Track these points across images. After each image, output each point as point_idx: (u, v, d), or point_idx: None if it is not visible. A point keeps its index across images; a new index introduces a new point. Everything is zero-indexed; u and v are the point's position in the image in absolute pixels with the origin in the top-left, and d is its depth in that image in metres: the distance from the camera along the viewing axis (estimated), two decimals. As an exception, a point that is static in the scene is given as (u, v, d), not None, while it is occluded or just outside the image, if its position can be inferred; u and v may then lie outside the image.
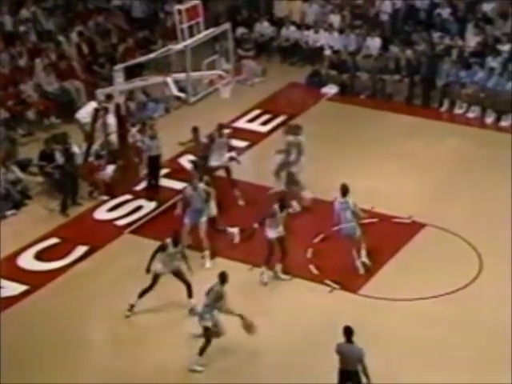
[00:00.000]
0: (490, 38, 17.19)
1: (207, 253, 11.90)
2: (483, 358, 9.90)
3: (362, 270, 11.37)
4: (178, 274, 10.85)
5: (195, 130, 13.62)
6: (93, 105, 14.68)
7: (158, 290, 11.00)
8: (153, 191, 13.78)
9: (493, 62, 16.36)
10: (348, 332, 8.85)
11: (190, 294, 10.85)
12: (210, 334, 9.76)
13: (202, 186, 12.00)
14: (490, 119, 15.86)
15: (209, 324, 9.74)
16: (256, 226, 11.51)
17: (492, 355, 9.92)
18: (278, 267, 11.49)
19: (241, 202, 13.21)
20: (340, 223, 11.43)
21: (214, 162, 13.25)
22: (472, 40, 17.32)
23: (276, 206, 11.34)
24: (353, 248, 11.42)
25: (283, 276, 11.49)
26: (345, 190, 11.40)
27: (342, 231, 11.42)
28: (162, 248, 10.78)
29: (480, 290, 11.07)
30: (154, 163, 13.66)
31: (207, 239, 11.92)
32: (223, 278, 9.77)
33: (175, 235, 10.85)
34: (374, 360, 9.61)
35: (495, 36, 17.19)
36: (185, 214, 12.01)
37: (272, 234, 11.34)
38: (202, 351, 9.76)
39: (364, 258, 11.44)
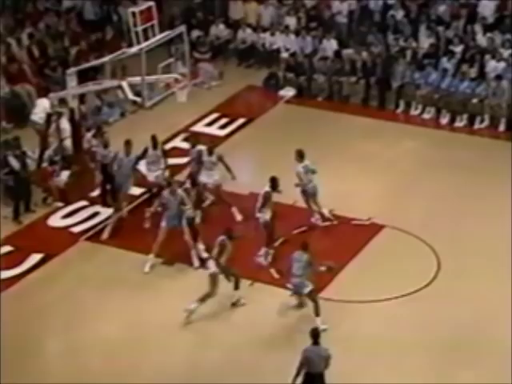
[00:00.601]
0: (443, 39, 17.41)
1: (193, 252, 11.78)
2: (446, 357, 9.96)
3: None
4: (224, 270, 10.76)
5: (128, 143, 12.96)
6: (44, 102, 14.36)
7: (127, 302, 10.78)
8: (110, 197, 13.52)
9: (446, 64, 16.58)
10: (315, 334, 8.93)
11: (236, 286, 10.87)
12: (314, 294, 10.49)
13: (179, 191, 11.84)
14: (444, 120, 16.05)
15: (311, 287, 10.42)
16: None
17: (454, 355, 9.99)
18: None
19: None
20: None
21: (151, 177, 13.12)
22: (425, 42, 17.50)
23: (269, 189, 11.72)
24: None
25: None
26: None
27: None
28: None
29: (439, 290, 11.15)
30: (107, 173, 13.38)
31: (191, 241, 11.79)
32: (305, 246, 10.51)
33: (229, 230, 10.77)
34: (336, 362, 9.61)
35: (448, 37, 17.42)
36: (162, 217, 11.88)
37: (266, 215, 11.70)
38: (317, 311, 10.43)
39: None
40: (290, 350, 9.44)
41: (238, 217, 12.80)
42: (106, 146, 13.32)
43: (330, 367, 8.99)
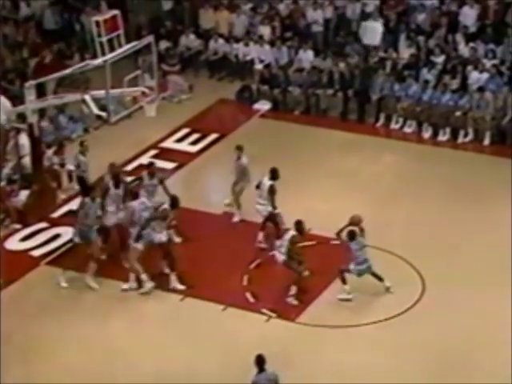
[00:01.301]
0: (423, 49, 17.55)
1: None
2: (433, 380, 9.89)
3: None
4: None
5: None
6: (3, 101, 14.08)
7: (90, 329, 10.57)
8: None
9: (427, 75, 16.67)
10: (259, 361, 8.90)
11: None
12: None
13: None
14: (427, 134, 16.12)
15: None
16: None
17: (441, 380, 9.93)
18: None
19: None
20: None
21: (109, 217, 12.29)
22: (405, 52, 17.61)
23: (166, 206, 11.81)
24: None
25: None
26: None
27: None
28: None
29: (424, 313, 11.12)
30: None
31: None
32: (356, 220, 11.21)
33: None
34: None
35: (428, 47, 17.56)
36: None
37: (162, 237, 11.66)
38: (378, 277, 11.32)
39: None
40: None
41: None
42: (83, 152, 13.51)
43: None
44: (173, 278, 11.68)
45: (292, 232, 11.39)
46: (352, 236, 11.34)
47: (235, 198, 13.22)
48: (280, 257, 11.42)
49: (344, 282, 11.39)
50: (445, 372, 10.06)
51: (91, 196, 11.87)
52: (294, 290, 11.36)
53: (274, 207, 12.28)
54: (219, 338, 10.69)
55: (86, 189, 13.19)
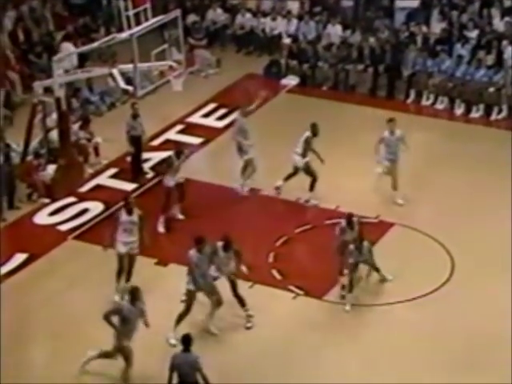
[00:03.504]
0: (456, 24, 17.35)
1: None
2: (458, 364, 9.92)
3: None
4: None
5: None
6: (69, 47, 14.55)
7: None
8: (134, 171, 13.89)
9: (461, 50, 16.51)
10: (186, 340, 8.77)
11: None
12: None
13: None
14: (459, 111, 16.00)
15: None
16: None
17: (467, 361, 9.96)
18: (176, 209, 12.69)
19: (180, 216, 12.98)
20: None
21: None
22: (437, 26, 17.43)
23: (173, 155, 12.48)
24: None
25: (181, 216, 12.73)
26: None
27: None
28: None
29: (453, 293, 11.11)
30: (137, 144, 13.70)
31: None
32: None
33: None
34: (341, 367, 9.62)
35: (461, 22, 17.36)
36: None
37: (171, 182, 12.46)
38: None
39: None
40: (288, 353, 9.39)
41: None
42: (135, 116, 13.57)
43: (339, 372, 8.94)
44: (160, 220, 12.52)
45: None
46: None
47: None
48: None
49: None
50: (472, 354, 10.06)
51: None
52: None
53: (304, 156, 12.85)
54: (243, 314, 10.78)
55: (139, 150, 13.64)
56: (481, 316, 10.65)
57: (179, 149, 12.90)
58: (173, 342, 10.18)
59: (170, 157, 12.87)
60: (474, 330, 10.40)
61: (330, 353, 10.16)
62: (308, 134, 12.97)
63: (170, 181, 12.65)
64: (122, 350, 9.67)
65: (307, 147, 12.93)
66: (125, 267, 11.08)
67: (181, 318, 10.36)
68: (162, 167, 13.13)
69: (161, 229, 12.60)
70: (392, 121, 13.05)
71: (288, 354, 9.93)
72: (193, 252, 10.28)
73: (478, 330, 10.41)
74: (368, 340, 10.39)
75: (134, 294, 9.62)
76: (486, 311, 10.71)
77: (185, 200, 12.86)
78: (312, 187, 13.02)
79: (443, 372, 9.83)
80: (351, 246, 10.88)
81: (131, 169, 14.04)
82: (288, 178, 13.09)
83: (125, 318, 9.55)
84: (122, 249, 10.96)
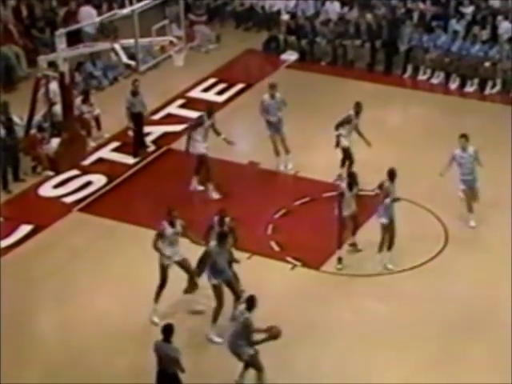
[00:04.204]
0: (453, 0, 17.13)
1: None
2: (451, 332, 9.90)
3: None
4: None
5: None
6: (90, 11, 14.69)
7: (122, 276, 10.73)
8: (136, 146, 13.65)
9: (456, 26, 16.32)
10: (166, 330, 8.39)
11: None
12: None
13: None
14: (454, 85, 15.84)
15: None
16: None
17: (464, 330, 9.92)
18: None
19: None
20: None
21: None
22: (433, 2, 17.18)
23: (204, 115, 12.04)
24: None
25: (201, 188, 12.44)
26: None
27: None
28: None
29: (448, 263, 11.06)
30: (137, 120, 13.46)
31: None
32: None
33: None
34: (339, 337, 9.56)
35: (457, -2, 17.17)
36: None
37: (202, 149, 12.12)
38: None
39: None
40: (285, 322, 9.32)
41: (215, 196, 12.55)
42: (134, 94, 13.30)
43: (337, 343, 8.88)
44: (210, 187, 12.24)
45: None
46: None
47: (283, 144, 13.09)
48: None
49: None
50: (467, 321, 10.04)
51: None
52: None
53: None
54: (244, 285, 10.71)
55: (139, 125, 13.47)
56: (475, 284, 10.61)
57: (210, 108, 12.37)
58: (217, 339, 9.78)
59: (200, 115, 12.42)
60: (469, 298, 10.38)
61: (327, 322, 10.11)
62: (351, 112, 12.36)
63: (201, 148, 12.23)
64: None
65: (351, 127, 12.32)
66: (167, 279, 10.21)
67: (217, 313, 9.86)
68: (192, 126, 12.37)
69: (215, 195, 12.35)
70: (464, 137, 11.54)
71: (285, 323, 9.83)
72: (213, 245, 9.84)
73: (472, 297, 10.38)
74: (366, 309, 10.34)
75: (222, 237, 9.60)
76: (480, 280, 10.67)
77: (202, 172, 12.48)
78: (343, 164, 12.42)
79: (441, 338, 9.80)
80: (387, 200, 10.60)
81: (133, 144, 13.86)
82: (343, 163, 12.49)
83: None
84: (167, 261, 10.13)
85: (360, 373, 9.34)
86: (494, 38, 16.01)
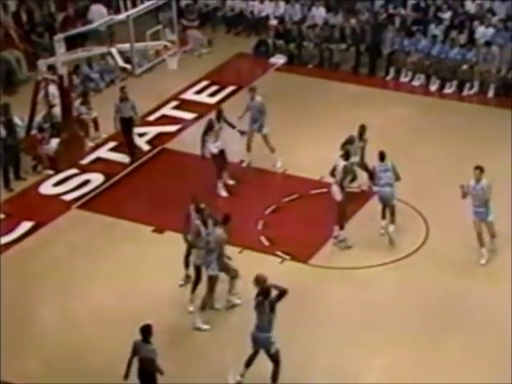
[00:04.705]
0: (432, 6, 17.03)
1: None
2: (435, 322, 9.83)
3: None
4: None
5: None
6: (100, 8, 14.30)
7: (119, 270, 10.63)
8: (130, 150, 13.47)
9: (436, 30, 16.27)
10: (144, 331, 8.19)
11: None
12: None
13: None
14: (434, 87, 15.77)
15: None
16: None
17: (443, 319, 9.87)
18: (225, 174, 12.30)
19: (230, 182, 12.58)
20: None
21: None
22: (413, 8, 17.06)
23: (213, 118, 11.93)
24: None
25: (231, 182, 12.40)
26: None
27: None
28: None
29: (428, 255, 10.99)
30: (126, 125, 13.28)
31: None
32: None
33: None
34: (327, 327, 9.49)
35: (436, 4, 17.04)
36: None
37: (213, 149, 12.01)
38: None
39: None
40: (278, 316, 9.23)
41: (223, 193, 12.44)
42: (122, 100, 13.14)
43: (325, 332, 8.77)
44: (219, 185, 12.24)
45: (342, 162, 11.03)
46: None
47: (266, 143, 12.95)
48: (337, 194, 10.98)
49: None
50: (446, 311, 9.98)
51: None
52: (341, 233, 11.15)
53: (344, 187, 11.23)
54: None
55: (126, 131, 13.24)
56: (455, 276, 10.53)
57: (219, 111, 12.30)
58: (201, 326, 9.78)
59: (210, 119, 12.35)
60: (448, 289, 10.31)
61: (315, 313, 10.03)
62: (354, 134, 11.87)
63: (213, 148, 12.14)
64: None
65: (354, 148, 11.69)
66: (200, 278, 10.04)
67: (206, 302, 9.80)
68: (205, 132, 12.20)
69: (223, 193, 12.25)
70: (478, 168, 10.53)
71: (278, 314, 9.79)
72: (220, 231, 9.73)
73: (452, 288, 10.31)
74: (352, 300, 10.26)
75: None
76: (460, 271, 10.59)
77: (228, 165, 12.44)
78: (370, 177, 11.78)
79: (423, 326, 9.74)
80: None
81: (128, 150, 13.55)
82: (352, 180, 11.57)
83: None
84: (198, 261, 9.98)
85: (346, 358, 9.28)
86: (471, 41, 15.97)
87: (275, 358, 8.74)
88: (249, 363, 8.89)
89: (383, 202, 11.27)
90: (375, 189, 11.28)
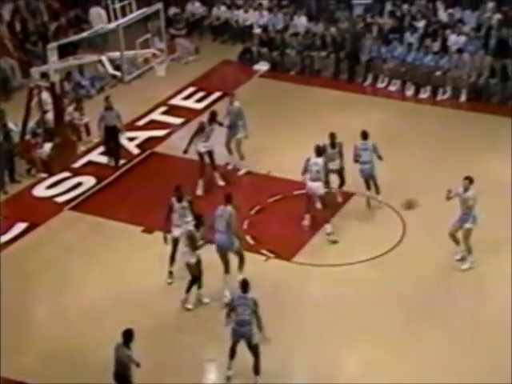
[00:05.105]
0: (407, 15, 17.12)
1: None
2: (414, 315, 9.85)
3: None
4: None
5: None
6: (99, 10, 14.33)
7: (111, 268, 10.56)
8: (114, 155, 13.38)
9: (410, 38, 16.34)
10: (126, 335, 8.06)
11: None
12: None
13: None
14: (409, 92, 15.84)
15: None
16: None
17: (422, 313, 9.89)
18: (217, 174, 12.36)
19: (220, 183, 12.55)
20: None
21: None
22: (390, 17, 17.16)
23: (205, 121, 11.98)
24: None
25: (222, 183, 12.39)
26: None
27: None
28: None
29: (405, 252, 11.01)
30: (110, 133, 13.19)
31: None
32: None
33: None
34: (311, 324, 9.50)
35: (411, 13, 17.12)
36: None
37: (202, 148, 12.06)
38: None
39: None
40: (263, 311, 9.20)
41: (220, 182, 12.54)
42: (107, 108, 13.06)
43: (308, 326, 8.74)
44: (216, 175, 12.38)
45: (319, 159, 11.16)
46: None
47: (237, 149, 12.89)
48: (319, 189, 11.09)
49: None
50: (425, 305, 10.00)
51: None
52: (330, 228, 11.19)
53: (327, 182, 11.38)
54: (220, 276, 10.51)
55: (109, 139, 13.18)
56: (431, 272, 10.56)
57: (212, 115, 12.35)
58: (206, 300, 10.04)
59: (201, 122, 12.39)
60: (426, 284, 10.32)
61: (298, 308, 10.02)
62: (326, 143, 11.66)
63: (201, 147, 12.20)
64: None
65: (330, 155, 11.60)
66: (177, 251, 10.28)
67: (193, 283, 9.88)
68: (195, 132, 12.33)
69: (199, 192, 12.20)
70: (468, 179, 10.43)
71: (260, 309, 9.75)
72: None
73: (430, 283, 10.34)
74: (333, 295, 10.26)
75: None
76: (435, 268, 10.62)
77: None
78: (341, 184, 11.89)
79: (402, 320, 9.76)
80: None
81: (113, 154, 13.43)
82: (341, 184, 11.92)
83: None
84: (177, 232, 10.24)
85: (329, 352, 9.26)
86: (444, 49, 16.04)
87: (256, 350, 8.71)
88: (232, 355, 8.85)
89: (364, 176, 11.73)
90: (358, 166, 11.65)
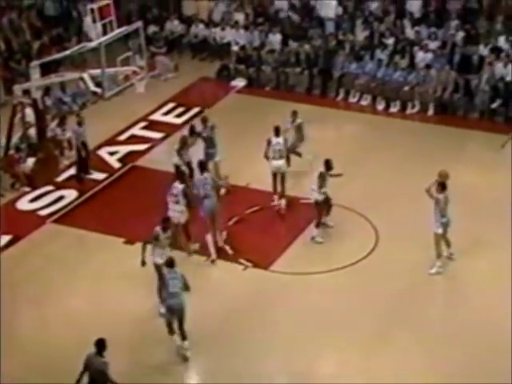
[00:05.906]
0: (376, 32, 17.29)
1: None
2: (386, 321, 9.87)
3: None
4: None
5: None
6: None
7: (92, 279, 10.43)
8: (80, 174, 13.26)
9: (381, 55, 16.48)
10: (99, 345, 7.92)
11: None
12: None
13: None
14: (380, 106, 15.96)
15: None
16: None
17: (394, 319, 9.91)
18: None
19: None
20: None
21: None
22: (361, 35, 17.34)
23: (187, 134, 12.13)
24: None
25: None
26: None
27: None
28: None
29: (378, 260, 11.04)
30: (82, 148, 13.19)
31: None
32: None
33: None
34: (287, 329, 9.45)
35: (380, 31, 17.30)
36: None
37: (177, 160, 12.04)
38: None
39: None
40: (238, 317, 9.18)
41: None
42: (79, 124, 13.10)
43: (284, 333, 8.72)
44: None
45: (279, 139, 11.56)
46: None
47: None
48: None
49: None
50: (397, 311, 10.03)
51: None
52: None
53: (320, 190, 11.27)
54: (202, 285, 10.49)
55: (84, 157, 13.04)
56: (403, 279, 10.58)
57: (192, 128, 12.39)
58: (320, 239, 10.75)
59: (183, 136, 12.42)
60: (397, 291, 10.34)
61: (275, 315, 9.99)
62: (321, 169, 11.33)
63: (177, 160, 12.25)
64: None
65: (322, 182, 11.26)
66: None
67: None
68: (177, 145, 12.39)
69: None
70: (440, 185, 10.33)
71: (238, 316, 9.73)
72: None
73: (400, 290, 10.36)
74: (309, 303, 10.23)
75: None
76: (407, 275, 10.64)
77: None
78: (328, 212, 11.59)
79: (375, 325, 9.77)
80: None
81: (76, 170, 13.31)
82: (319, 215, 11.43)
83: None
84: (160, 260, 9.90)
85: (304, 356, 9.25)
86: (412, 65, 16.21)
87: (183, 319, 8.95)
88: (172, 330, 9.01)
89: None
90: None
